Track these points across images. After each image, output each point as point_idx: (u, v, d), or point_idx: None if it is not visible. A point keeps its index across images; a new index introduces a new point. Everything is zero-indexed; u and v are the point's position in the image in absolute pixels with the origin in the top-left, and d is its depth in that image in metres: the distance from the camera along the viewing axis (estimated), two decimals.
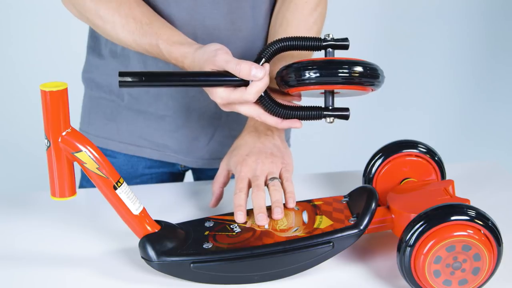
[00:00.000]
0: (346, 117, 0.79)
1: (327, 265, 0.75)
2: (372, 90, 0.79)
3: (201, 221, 0.80)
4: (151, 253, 0.72)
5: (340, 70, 0.75)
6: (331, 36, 0.78)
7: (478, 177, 1.00)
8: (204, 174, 1.10)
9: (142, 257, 0.74)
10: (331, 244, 0.73)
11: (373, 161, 0.86)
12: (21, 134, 2.26)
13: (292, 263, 0.73)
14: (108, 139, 1.03)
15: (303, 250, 0.72)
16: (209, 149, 1.03)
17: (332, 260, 0.75)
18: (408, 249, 0.67)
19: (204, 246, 0.74)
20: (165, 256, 0.72)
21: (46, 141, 0.70)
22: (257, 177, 0.82)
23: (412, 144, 0.86)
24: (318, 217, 0.77)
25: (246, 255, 0.72)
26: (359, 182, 0.88)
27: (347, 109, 0.79)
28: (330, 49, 0.79)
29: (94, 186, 0.74)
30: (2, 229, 0.87)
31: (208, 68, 0.78)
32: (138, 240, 0.74)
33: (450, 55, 2.46)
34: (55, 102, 0.68)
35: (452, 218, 0.67)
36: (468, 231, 0.66)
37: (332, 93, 0.79)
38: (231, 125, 1.02)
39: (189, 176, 1.17)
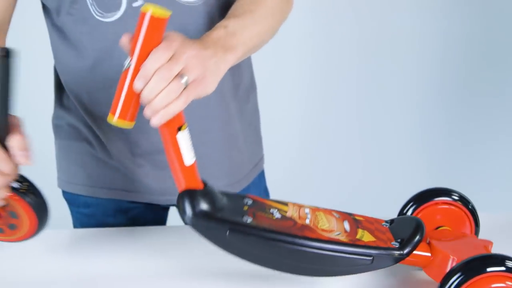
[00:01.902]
0: None
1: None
2: None
3: (240, 196, 0.78)
4: (189, 209, 0.71)
5: None
6: None
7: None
8: None
9: (178, 209, 0.72)
10: (371, 258, 0.71)
11: (406, 210, 0.85)
12: None
13: (327, 264, 0.71)
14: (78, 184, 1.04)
15: (344, 254, 0.71)
16: None
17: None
18: None
19: (243, 218, 0.71)
20: (203, 216, 0.70)
21: (127, 61, 0.68)
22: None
23: (445, 192, 0.85)
24: (360, 230, 0.76)
25: (287, 241, 0.70)
26: None
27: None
28: None
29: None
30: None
31: None
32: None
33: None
34: (155, 27, 0.66)
35: (493, 269, 0.65)
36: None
37: None
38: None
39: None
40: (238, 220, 0.71)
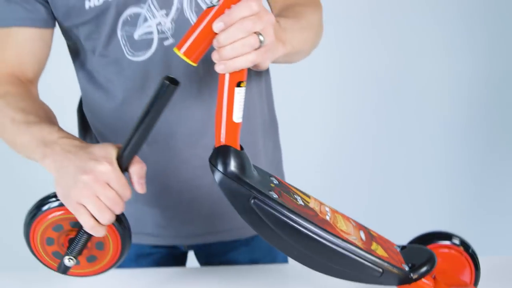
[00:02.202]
0: None
1: None
2: None
3: (268, 174, 0.77)
4: (222, 166, 0.70)
5: None
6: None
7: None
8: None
9: (211, 162, 0.72)
10: (382, 271, 0.72)
11: None
12: None
13: (339, 263, 0.72)
14: None
15: (357, 258, 0.72)
16: (204, 223, 1.04)
17: None
18: None
19: (270, 192, 0.71)
20: (233, 177, 0.70)
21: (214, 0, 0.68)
22: None
23: (445, 236, 0.87)
24: (374, 243, 0.77)
25: (308, 228, 0.70)
26: None
27: None
28: None
29: None
30: None
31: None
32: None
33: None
34: None
35: None
36: None
37: None
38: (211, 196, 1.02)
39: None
40: (265, 192, 0.70)
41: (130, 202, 0.77)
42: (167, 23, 0.91)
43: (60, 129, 0.81)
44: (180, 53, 0.69)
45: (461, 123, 2.30)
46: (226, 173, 0.70)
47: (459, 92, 2.26)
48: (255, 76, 1.02)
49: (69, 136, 0.79)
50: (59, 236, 0.79)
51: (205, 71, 0.94)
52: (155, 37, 0.91)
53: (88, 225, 0.73)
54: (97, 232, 0.74)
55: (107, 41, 0.92)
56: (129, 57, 0.92)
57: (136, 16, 0.91)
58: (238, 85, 0.69)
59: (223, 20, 0.67)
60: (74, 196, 0.72)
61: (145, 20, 0.91)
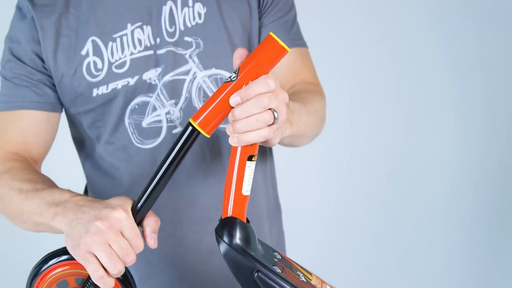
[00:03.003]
0: None
1: None
2: None
3: (271, 248, 0.78)
4: (227, 238, 0.71)
5: None
6: None
7: None
8: None
9: (217, 233, 0.72)
10: None
11: None
12: None
13: None
14: None
15: None
16: None
17: None
18: None
19: (274, 267, 0.71)
20: (238, 249, 0.71)
21: (233, 74, 0.70)
22: None
23: None
24: None
25: None
26: None
27: None
28: None
29: None
30: None
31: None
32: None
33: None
34: (274, 54, 0.68)
35: None
36: None
37: None
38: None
39: None
40: (269, 266, 0.71)
41: None
42: (176, 112, 0.94)
43: (71, 191, 0.80)
44: (195, 124, 0.71)
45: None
46: (231, 244, 0.71)
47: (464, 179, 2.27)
48: (261, 161, 1.04)
49: (81, 195, 0.79)
50: None
51: (212, 159, 0.96)
52: (164, 125, 0.94)
53: (97, 275, 0.71)
54: (105, 283, 0.71)
55: (114, 128, 0.94)
56: (137, 145, 0.94)
57: (145, 104, 0.94)
58: (250, 159, 0.71)
59: (240, 94, 0.69)
60: (84, 245, 0.70)
61: (154, 109, 0.94)
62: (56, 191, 0.79)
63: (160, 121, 0.94)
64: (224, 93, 0.70)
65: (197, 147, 0.95)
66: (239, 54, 0.71)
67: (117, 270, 0.71)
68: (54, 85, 0.94)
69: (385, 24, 2.09)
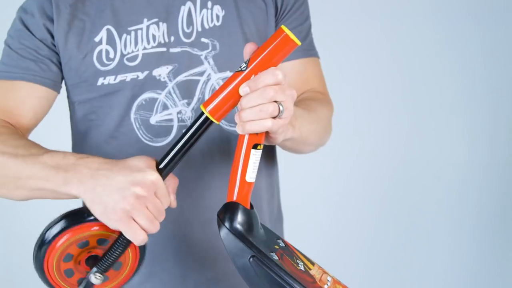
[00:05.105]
0: None
1: None
2: None
3: (276, 235, 0.79)
4: (228, 222, 0.73)
5: None
6: None
7: None
8: None
9: (219, 217, 0.74)
10: None
11: None
12: None
13: None
14: None
15: None
16: None
17: None
18: None
19: (270, 254, 0.72)
20: (236, 234, 0.72)
21: (243, 64, 0.72)
22: None
23: None
24: None
25: None
26: None
27: None
28: None
29: None
30: None
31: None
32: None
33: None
34: (285, 47, 0.70)
35: None
36: None
37: None
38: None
39: None
40: (265, 252, 0.72)
41: None
42: (188, 112, 0.93)
43: (71, 152, 0.79)
44: (206, 110, 0.73)
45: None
46: (231, 229, 0.73)
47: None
48: (267, 168, 1.04)
49: (87, 155, 0.77)
50: (78, 254, 0.77)
51: (222, 161, 0.95)
52: (175, 124, 0.94)
53: (140, 238, 0.73)
54: (144, 241, 0.74)
55: (119, 123, 0.94)
56: (146, 142, 0.94)
57: (152, 101, 0.93)
58: (255, 147, 0.73)
59: (248, 84, 0.71)
60: (123, 211, 0.72)
61: (165, 107, 0.93)
62: (56, 154, 0.78)
63: (171, 120, 0.93)
64: (235, 82, 0.73)
65: (207, 148, 0.95)
66: (250, 49, 0.73)
67: (156, 229, 0.74)
68: (60, 64, 0.93)
69: (389, 29, 2.10)
